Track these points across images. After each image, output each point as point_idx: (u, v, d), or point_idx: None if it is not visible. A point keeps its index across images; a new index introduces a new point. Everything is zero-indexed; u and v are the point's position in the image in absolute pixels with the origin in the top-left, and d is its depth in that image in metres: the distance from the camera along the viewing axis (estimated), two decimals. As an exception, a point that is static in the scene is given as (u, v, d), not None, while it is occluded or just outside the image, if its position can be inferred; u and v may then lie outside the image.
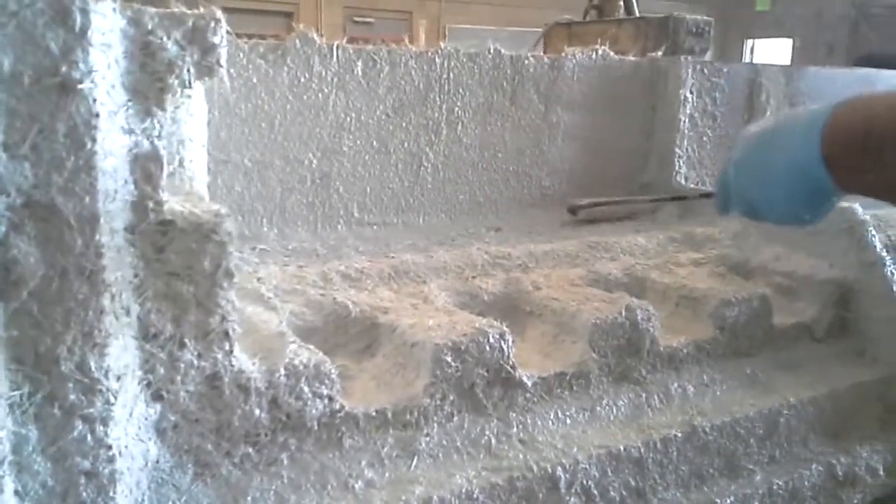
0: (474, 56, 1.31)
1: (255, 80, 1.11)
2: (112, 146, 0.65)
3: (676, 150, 1.54)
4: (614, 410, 1.01)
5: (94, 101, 0.60)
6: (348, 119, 1.21)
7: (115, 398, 0.64)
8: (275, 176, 1.16)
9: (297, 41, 1.14)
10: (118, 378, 0.65)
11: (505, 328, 0.94)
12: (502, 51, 1.34)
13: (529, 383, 0.95)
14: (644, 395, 1.05)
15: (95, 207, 0.61)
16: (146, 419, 0.72)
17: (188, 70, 0.70)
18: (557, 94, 1.42)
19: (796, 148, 0.70)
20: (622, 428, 0.99)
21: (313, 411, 0.81)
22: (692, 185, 1.57)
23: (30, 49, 0.56)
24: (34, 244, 0.59)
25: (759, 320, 1.17)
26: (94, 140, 0.60)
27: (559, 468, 0.90)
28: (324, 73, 1.17)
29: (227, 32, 0.72)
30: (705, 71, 1.59)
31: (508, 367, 0.93)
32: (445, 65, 1.28)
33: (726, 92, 1.63)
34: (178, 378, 0.74)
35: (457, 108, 1.31)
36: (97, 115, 0.60)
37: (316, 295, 0.99)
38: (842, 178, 0.69)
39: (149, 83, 0.68)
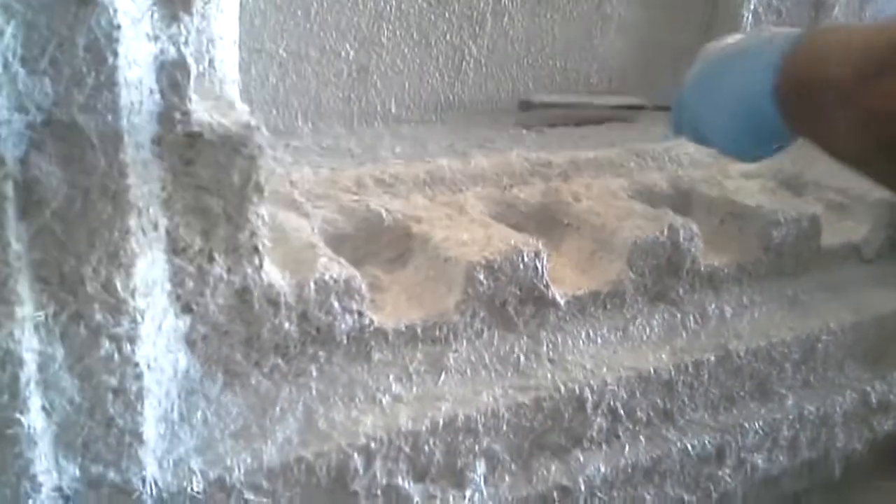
0: (526, -60, 1.22)
1: (291, -35, 1.05)
2: (136, 55, 0.61)
3: (736, 48, 1.44)
4: (647, 331, 0.99)
5: (115, 11, 0.56)
6: (388, 7, 1.14)
7: (142, 317, 0.63)
8: (310, 68, 1.11)
9: (337, -79, 1.06)
10: (145, 296, 0.64)
11: (540, 246, 0.91)
12: (556, -65, 1.25)
13: (562, 302, 0.93)
14: (679, 315, 1.03)
15: (119, 125, 0.58)
16: (175, 331, 0.72)
17: (216, -29, 0.65)
18: (613, -16, 1.33)
19: (749, 77, 0.64)
20: (654, 350, 0.98)
21: (343, 326, 0.81)
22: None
23: (45, -45, 0.52)
24: (56, 163, 0.56)
25: (807, 241, 1.12)
26: (115, 54, 0.57)
27: (587, 389, 0.89)
28: (364, -44, 1.10)
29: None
30: (774, -39, 1.47)
31: (542, 286, 0.91)
32: (494, -51, 1.20)
33: (794, -16, 1.51)
34: (208, 291, 0.73)
35: (504, -1, 1.23)
36: (118, 27, 0.56)
37: (349, 201, 0.97)
38: (790, 120, 0.63)
39: (174, -16, 0.64)
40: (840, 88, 0.55)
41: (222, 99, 0.78)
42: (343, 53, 1.13)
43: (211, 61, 0.79)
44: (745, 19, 1.43)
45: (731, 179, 1.21)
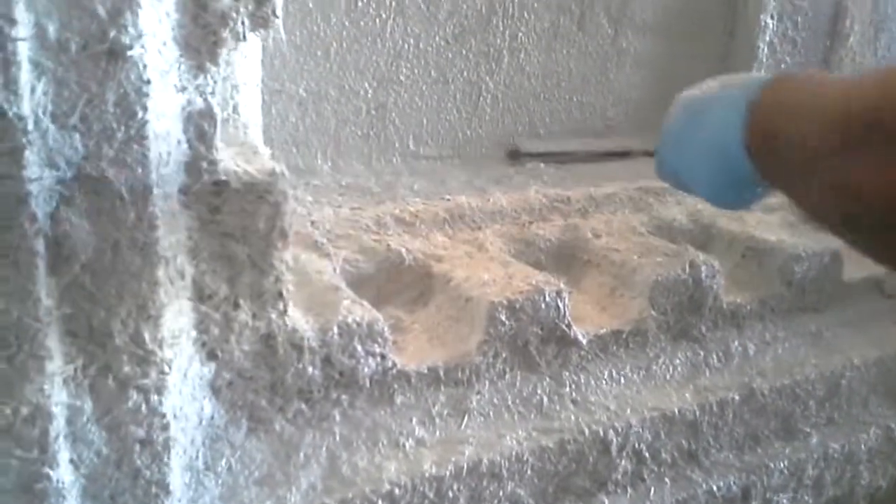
0: (542, -23, 1.22)
1: (310, 5, 1.06)
2: (164, 107, 0.61)
3: (752, 80, 1.44)
4: (670, 370, 0.99)
5: (145, 66, 0.56)
6: (406, 46, 1.15)
7: (170, 367, 0.63)
8: (329, 107, 1.12)
9: (355, -38, 1.07)
10: (172, 346, 0.64)
11: (562, 285, 0.91)
12: (572, -29, 1.25)
13: (584, 341, 0.93)
14: (702, 353, 1.02)
15: (148, 178, 0.59)
16: (201, 378, 0.72)
17: (242, 22, 0.65)
18: (629, 17, 1.33)
19: (721, 126, 0.62)
20: (678, 389, 0.97)
21: (366, 369, 0.81)
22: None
23: (76, 13, 0.53)
24: (85, 217, 0.57)
25: (829, 276, 1.12)
26: (145, 108, 0.57)
27: (611, 431, 0.88)
28: (382, -4, 1.10)
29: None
30: (788, -7, 1.47)
31: (564, 326, 0.91)
32: (510, -14, 1.20)
33: (809, 16, 1.51)
34: (233, 338, 0.73)
35: (520, 34, 1.24)
36: (148, 82, 0.57)
37: (369, 241, 0.97)
38: (762, 173, 0.60)
39: (201, 37, 0.64)
40: (805, 154, 0.53)
41: (247, 145, 0.78)
42: (362, 92, 1.13)
43: (235, 107, 0.79)
44: (760, 50, 1.43)
45: (751, 213, 1.21)
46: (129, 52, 0.55)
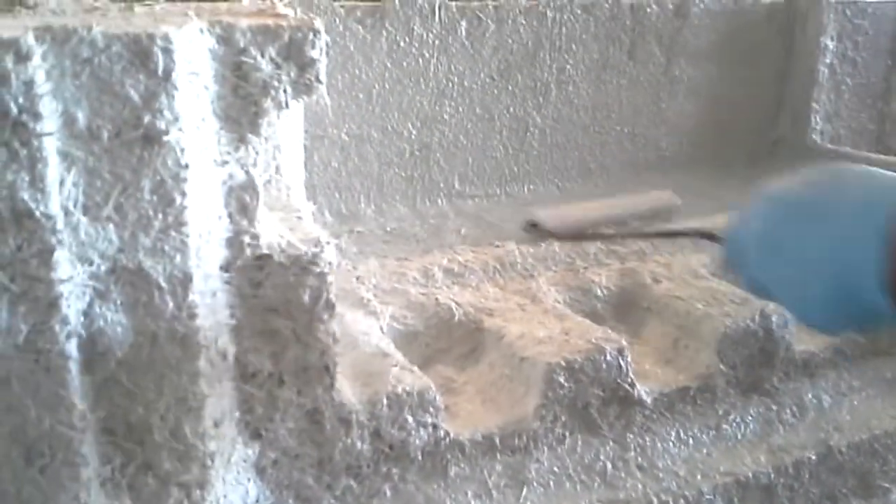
0: (590, 7, 1.17)
1: (351, 48, 1.02)
2: (204, 185, 0.58)
3: (813, 103, 1.37)
4: (742, 428, 0.92)
5: (183, 151, 0.52)
6: (450, 85, 1.11)
7: (212, 461, 0.59)
8: (372, 150, 1.08)
9: (397, 2, 1.03)
10: (214, 437, 0.60)
11: (623, 342, 0.85)
12: (621, -1, 1.20)
13: (649, 400, 0.87)
14: (775, 408, 0.95)
15: (187, 266, 0.55)
16: (245, 461, 0.68)
17: (284, 90, 0.61)
18: (682, 45, 1.27)
19: (846, 247, 0.49)
20: (750, 449, 0.90)
21: (417, 441, 0.76)
22: (823, 143, 1.41)
23: (107, 100, 0.49)
24: (121, 311, 0.53)
25: (905, 318, 1.04)
26: (183, 194, 0.53)
27: (682, 501, 0.82)
28: (425, 35, 1.06)
29: (327, 44, 0.62)
30: (847, 12, 1.40)
31: (626, 385, 0.85)
32: (557, 18, 1.16)
33: (869, 35, 1.44)
34: (278, 416, 0.69)
35: (568, 67, 1.19)
36: (186, 167, 0.53)
37: (417, 295, 0.92)
38: None
39: (242, 108, 0.60)
40: None
41: (289, 208, 0.74)
42: (405, 133, 1.10)
43: (277, 168, 0.75)
44: (820, 74, 1.36)
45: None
46: (166, 138, 0.51)
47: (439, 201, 1.14)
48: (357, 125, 1.05)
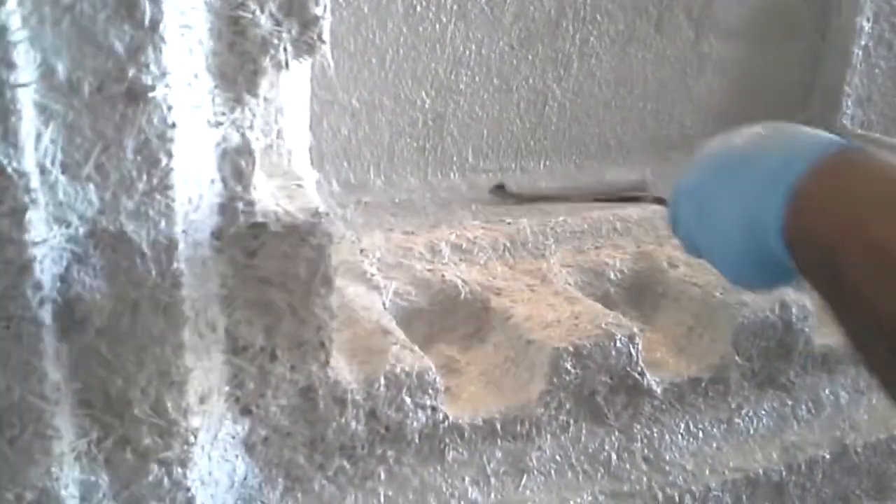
0: (618, -24, 1.12)
1: (365, 10, 0.98)
2: (195, 146, 0.54)
3: (845, 86, 1.31)
4: (754, 422, 0.89)
5: (170, 108, 0.49)
6: (467, 53, 1.06)
7: (195, 436, 0.57)
8: (384, 118, 1.04)
9: (415, -37, 0.99)
10: (200, 413, 0.57)
11: (635, 329, 0.82)
12: (651, -32, 1.14)
13: (659, 390, 0.84)
14: (791, 402, 0.92)
15: (172, 231, 0.52)
16: (233, 437, 0.66)
17: (284, 49, 0.57)
18: (712, 19, 1.21)
19: (753, 200, 0.49)
20: (762, 445, 0.87)
21: (414, 423, 0.73)
22: (854, 128, 1.35)
23: (89, 50, 0.46)
24: (101, 277, 0.50)
25: (932, 316, 1.00)
26: (169, 155, 0.50)
27: (688, 496, 0.79)
28: (443, 0, 1.02)
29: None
30: (886, -8, 1.33)
31: (636, 374, 0.82)
32: (583, -14, 1.10)
33: (908, 16, 1.37)
34: (269, 392, 0.66)
35: (592, 38, 1.14)
36: (173, 126, 0.49)
37: (423, 271, 0.89)
38: (800, 270, 0.48)
39: (238, 66, 0.57)
40: (862, 281, 0.42)
41: (290, 175, 0.70)
42: (419, 102, 1.05)
43: (279, 132, 0.71)
44: (854, 56, 1.30)
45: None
46: (151, 94, 0.47)
47: (451, 174, 1.10)
48: (369, 91, 1.01)
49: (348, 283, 0.84)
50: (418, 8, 1.00)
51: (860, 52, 1.31)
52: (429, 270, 0.89)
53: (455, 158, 1.10)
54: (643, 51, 1.18)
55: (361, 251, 0.88)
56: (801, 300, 0.90)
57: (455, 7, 1.02)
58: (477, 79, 1.08)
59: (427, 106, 1.06)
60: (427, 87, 1.05)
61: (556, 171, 1.17)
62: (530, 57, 1.10)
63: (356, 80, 1.00)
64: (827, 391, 0.94)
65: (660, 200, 0.68)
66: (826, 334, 0.95)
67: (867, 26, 1.30)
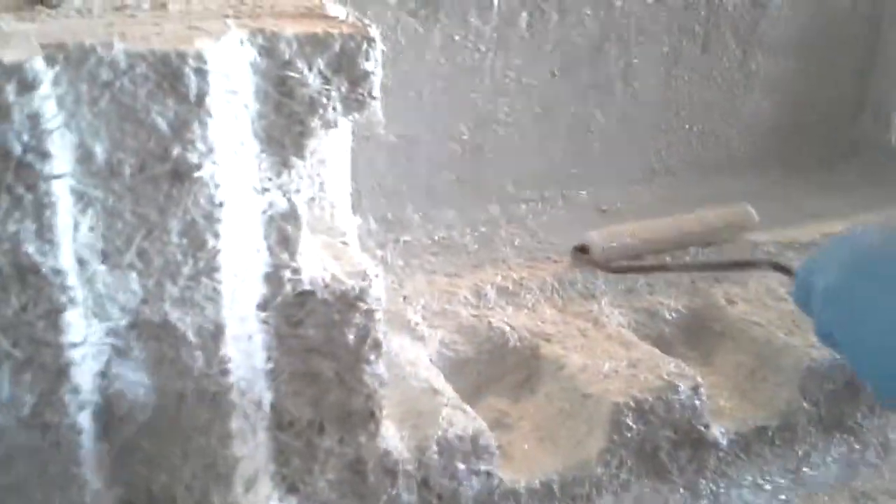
0: (661, -5, 1.07)
1: (403, 42, 0.94)
2: (241, 217, 0.50)
3: (898, 101, 1.26)
4: (822, 470, 0.83)
5: (217, 187, 0.45)
6: (507, 81, 1.02)
7: (245, 528, 0.52)
8: (422, 151, 1.00)
9: (453, -9, 0.94)
10: (246, 501, 0.53)
11: (699, 380, 0.77)
12: (695, -14, 1.09)
13: (724, 441, 0.79)
14: (858, 447, 0.86)
15: (220, 316, 0.48)
16: (280, 516, 0.61)
17: (334, 108, 0.53)
18: (759, 38, 1.16)
19: None
20: (832, 495, 0.82)
21: (469, 491, 0.69)
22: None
23: (130, 129, 0.42)
24: (143, 370, 0.46)
25: None
26: (216, 236, 0.46)
27: (758, 560, 0.75)
28: (482, 28, 0.97)
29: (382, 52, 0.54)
30: (941, 0, 1.27)
31: (701, 427, 0.77)
32: (626, 8, 1.06)
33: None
34: (317, 467, 0.62)
35: (635, 61, 1.09)
36: (221, 205, 0.45)
37: (468, 317, 0.85)
38: None
39: (286, 128, 0.52)
40: None
41: (334, 231, 0.67)
42: (457, 134, 1.01)
43: (322, 185, 0.68)
44: (908, 68, 1.25)
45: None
46: (198, 173, 0.43)
47: (490, 206, 1.06)
48: (406, 125, 0.97)
49: (392, 333, 0.80)
50: (456, 38, 0.96)
51: (913, 66, 1.25)
52: (474, 316, 0.85)
53: (494, 189, 1.06)
54: (689, 72, 1.13)
55: (404, 298, 0.84)
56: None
57: (495, 35, 0.98)
58: (517, 107, 1.03)
59: (466, 138, 1.02)
60: (466, 119, 1.01)
61: (599, 198, 1.13)
62: (572, 83, 1.06)
63: (393, 115, 0.96)
64: (897, 434, 0.89)
65: (783, 269, 0.61)
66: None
67: (920, 37, 1.25)
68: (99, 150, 0.41)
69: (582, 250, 0.93)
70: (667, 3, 1.08)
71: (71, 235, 0.41)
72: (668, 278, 0.95)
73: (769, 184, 1.20)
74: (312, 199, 0.69)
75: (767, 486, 0.81)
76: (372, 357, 0.62)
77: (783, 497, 0.81)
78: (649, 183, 1.16)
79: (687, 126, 1.16)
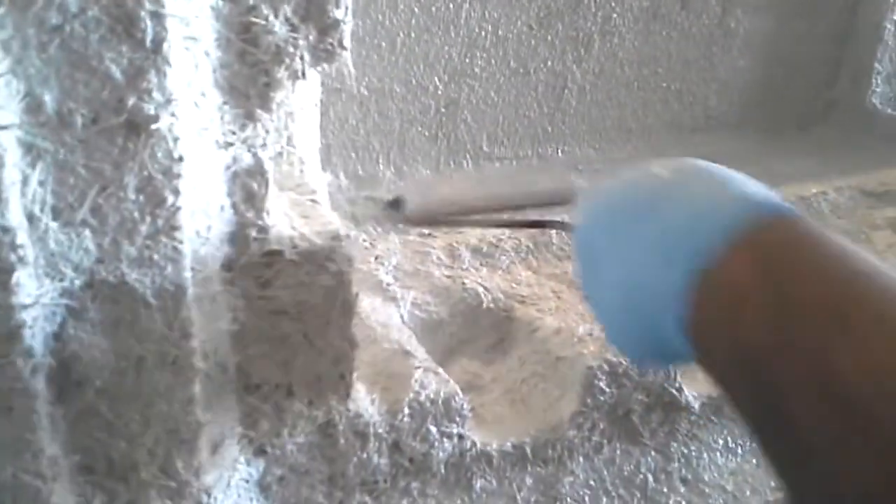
0: (643, -52, 1.04)
1: (375, -9, 0.90)
2: (203, 172, 0.48)
3: (876, 63, 1.25)
4: (792, 435, 0.84)
5: (176, 140, 0.42)
6: (483, 34, 0.99)
7: (209, 496, 0.51)
8: (394, 105, 0.97)
9: (428, -63, 0.91)
10: (212, 467, 0.52)
11: (673, 343, 0.76)
12: (677, -61, 1.07)
13: (696, 405, 0.78)
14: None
15: (181, 277, 0.45)
16: (247, 480, 0.60)
17: (301, 57, 0.50)
18: (739, -6, 1.14)
19: (653, 272, 0.37)
20: (801, 460, 0.82)
21: (440, 453, 0.68)
22: (883, 107, 1.28)
23: (82, 77, 0.39)
24: (100, 332, 0.44)
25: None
26: (176, 192, 0.43)
27: (728, 522, 0.75)
28: (458, -23, 0.94)
29: (353, -1, 0.51)
30: (922, -39, 1.25)
31: (673, 390, 0.77)
32: (606, -39, 1.03)
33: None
34: (286, 431, 0.60)
35: (615, 16, 1.06)
36: (180, 160, 0.43)
37: (442, 277, 0.83)
38: (711, 373, 0.35)
39: (250, 78, 0.49)
40: (813, 432, 0.29)
41: (303, 187, 0.64)
42: (431, 88, 0.98)
43: (289, 138, 0.65)
44: (886, 31, 1.23)
45: (881, 231, 1.04)
46: (155, 125, 0.40)
47: (465, 163, 1.04)
48: (378, 78, 0.94)
49: (364, 294, 0.78)
50: (432, -14, 0.93)
51: (892, 27, 1.24)
52: (448, 277, 0.83)
53: (469, 146, 1.03)
54: (668, 28, 1.11)
55: (376, 258, 0.82)
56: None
57: (471, -15, 0.95)
58: (493, 62, 1.00)
59: (440, 92, 0.99)
60: (440, 72, 0.98)
61: (574, 157, 1.11)
62: (549, 37, 1.03)
63: (365, 67, 0.93)
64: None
65: (565, 227, 0.56)
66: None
67: (900, -2, 1.24)
68: (48, 100, 0.38)
69: (393, 204, 0.89)
70: (648, -43, 1.05)
71: (19, 190, 0.38)
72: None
73: (743, 145, 1.19)
74: (280, 154, 0.66)
75: (739, 451, 0.81)
76: (342, 320, 0.59)
77: (755, 461, 0.81)
78: (625, 142, 1.15)
79: (664, 84, 1.14)
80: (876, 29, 1.24)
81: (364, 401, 0.65)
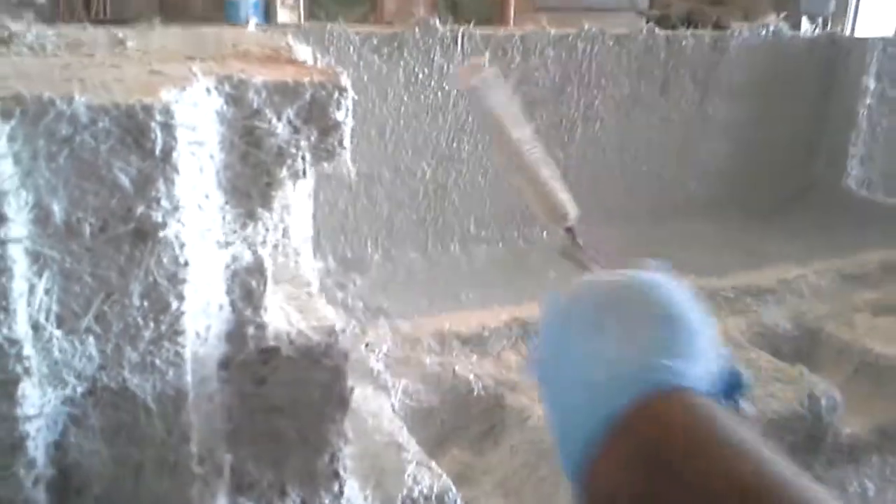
0: (623, 39, 1.08)
1: (365, 80, 0.92)
2: (206, 272, 0.48)
3: (850, 147, 1.29)
4: (784, 523, 0.83)
5: (182, 246, 0.42)
6: (470, 120, 1.01)
7: None
8: (383, 190, 0.98)
9: (417, 30, 0.93)
10: (206, 574, 0.50)
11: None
12: (657, 30, 1.10)
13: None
14: (817, 498, 0.87)
15: (182, 381, 0.45)
16: (237, 583, 0.58)
17: (303, 157, 0.51)
18: (717, 81, 1.18)
19: (590, 391, 0.37)
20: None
21: (434, 552, 0.66)
22: (858, 189, 1.32)
23: (90, 187, 0.39)
24: (100, 439, 0.43)
25: (956, 397, 0.96)
26: (181, 298, 0.43)
27: None
28: (446, 66, 0.96)
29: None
30: (888, 50, 1.31)
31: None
32: (588, 51, 1.06)
33: (906, 72, 1.35)
34: (278, 531, 0.59)
35: (596, 103, 1.09)
36: (186, 265, 0.43)
37: (433, 365, 0.82)
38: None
39: (252, 178, 0.50)
40: None
41: (298, 280, 0.64)
42: (419, 173, 1.00)
43: (285, 230, 0.65)
44: (859, 115, 1.28)
45: (861, 314, 1.05)
46: (162, 233, 0.41)
47: (452, 246, 1.04)
48: (367, 163, 0.95)
49: (354, 382, 0.77)
50: (420, 76, 0.95)
51: (865, 111, 1.29)
52: (438, 364, 0.83)
53: (456, 229, 1.05)
54: (648, 114, 1.14)
55: (367, 345, 0.81)
56: (830, 390, 0.85)
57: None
58: (479, 147, 1.03)
59: (428, 176, 1.00)
60: (428, 157, 1.00)
61: (558, 240, 1.12)
62: (534, 123, 1.05)
63: (355, 153, 0.93)
64: (855, 484, 0.89)
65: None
66: (851, 423, 0.90)
67: (872, 85, 1.28)
68: (57, 210, 0.38)
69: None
70: (628, 46, 1.08)
71: (26, 300, 0.38)
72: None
73: (725, 226, 1.21)
74: (276, 246, 0.66)
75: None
76: (337, 416, 0.59)
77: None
78: (607, 226, 1.16)
79: (645, 168, 1.17)
80: (850, 114, 1.28)
81: (357, 498, 0.63)
